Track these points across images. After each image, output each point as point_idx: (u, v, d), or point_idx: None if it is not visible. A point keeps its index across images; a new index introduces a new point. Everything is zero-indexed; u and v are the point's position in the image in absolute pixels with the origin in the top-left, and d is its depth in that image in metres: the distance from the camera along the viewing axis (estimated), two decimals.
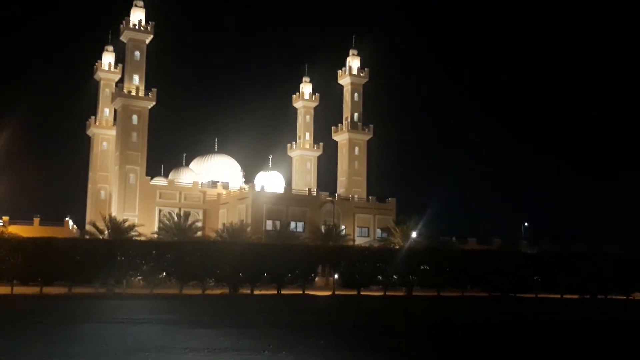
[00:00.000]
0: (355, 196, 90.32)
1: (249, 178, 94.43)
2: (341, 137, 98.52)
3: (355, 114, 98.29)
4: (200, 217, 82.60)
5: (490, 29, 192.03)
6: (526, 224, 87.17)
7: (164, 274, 45.38)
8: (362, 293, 46.65)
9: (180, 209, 74.01)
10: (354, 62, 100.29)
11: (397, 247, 65.97)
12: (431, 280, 50.67)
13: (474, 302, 40.41)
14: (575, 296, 52.44)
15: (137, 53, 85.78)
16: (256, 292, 44.34)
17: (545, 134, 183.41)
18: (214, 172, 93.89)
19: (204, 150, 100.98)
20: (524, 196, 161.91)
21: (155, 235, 64.99)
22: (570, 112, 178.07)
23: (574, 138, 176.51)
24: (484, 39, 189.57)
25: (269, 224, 76.97)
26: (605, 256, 56.51)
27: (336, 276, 52.46)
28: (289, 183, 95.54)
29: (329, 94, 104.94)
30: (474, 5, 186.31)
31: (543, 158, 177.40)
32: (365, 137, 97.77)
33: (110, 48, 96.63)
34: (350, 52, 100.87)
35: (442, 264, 51.27)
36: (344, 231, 77.66)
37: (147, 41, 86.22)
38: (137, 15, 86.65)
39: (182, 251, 45.10)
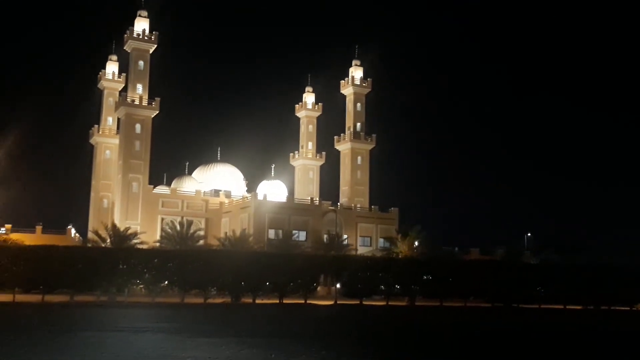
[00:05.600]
0: (358, 205, 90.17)
1: (251, 187, 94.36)
2: (344, 146, 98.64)
3: (358, 124, 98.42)
4: (203, 225, 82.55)
5: (493, 39, 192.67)
6: (529, 234, 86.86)
7: (166, 282, 45.31)
8: (364, 303, 46.53)
9: (182, 218, 73.90)
10: (356, 72, 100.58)
11: (400, 256, 65.79)
12: (434, 290, 50.52)
13: (477, 313, 40.24)
14: (579, 307, 52.22)
15: (141, 62, 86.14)
16: (258, 301, 44.25)
17: (549, 145, 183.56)
18: (216, 181, 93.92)
19: (207, 159, 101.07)
20: (527, 206, 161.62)
21: (158, 244, 64.90)
22: (574, 123, 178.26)
23: (578, 149, 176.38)
24: (487, 50, 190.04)
25: (271, 233, 76.91)
26: (608, 267, 56.30)
27: (338, 286, 52.30)
28: (291, 192, 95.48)
29: (331, 104, 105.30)
30: (476, 16, 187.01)
31: (546, 168, 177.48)
32: (367, 146, 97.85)
33: (114, 57, 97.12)
34: (353, 62, 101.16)
35: (445, 274, 51.13)
36: (346, 240, 77.48)
37: (151, 51, 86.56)
38: (141, 25, 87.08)
39: (184, 260, 45.04)
